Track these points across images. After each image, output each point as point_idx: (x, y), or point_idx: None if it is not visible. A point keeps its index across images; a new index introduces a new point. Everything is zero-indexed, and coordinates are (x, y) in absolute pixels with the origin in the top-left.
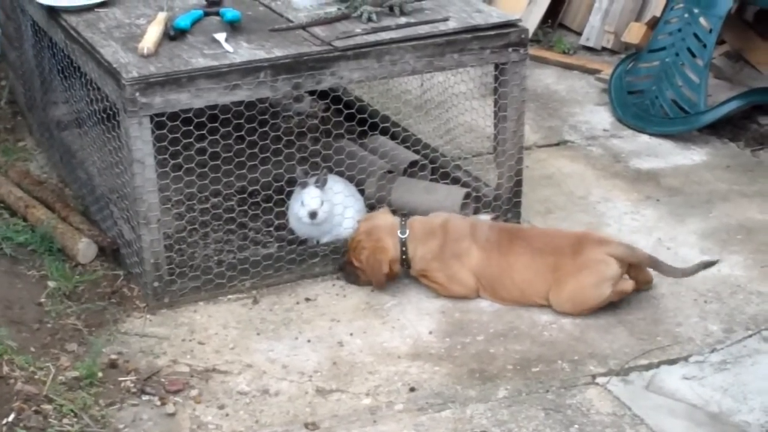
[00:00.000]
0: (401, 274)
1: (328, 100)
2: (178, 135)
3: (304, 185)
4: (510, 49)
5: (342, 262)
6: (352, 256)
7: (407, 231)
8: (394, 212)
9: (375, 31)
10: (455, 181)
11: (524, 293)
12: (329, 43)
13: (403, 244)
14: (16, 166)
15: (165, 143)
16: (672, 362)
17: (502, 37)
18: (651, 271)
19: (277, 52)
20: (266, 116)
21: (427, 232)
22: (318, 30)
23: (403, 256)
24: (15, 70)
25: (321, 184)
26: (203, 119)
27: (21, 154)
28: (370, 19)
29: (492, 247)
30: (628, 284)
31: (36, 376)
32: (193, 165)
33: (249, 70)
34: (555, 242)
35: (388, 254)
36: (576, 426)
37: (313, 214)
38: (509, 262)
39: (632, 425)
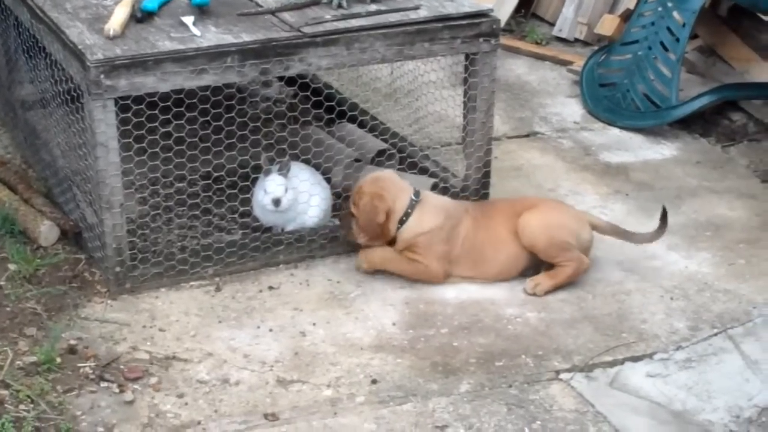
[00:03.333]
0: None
1: (296, 86)
2: (143, 119)
3: (268, 172)
4: (481, 40)
5: (344, 211)
6: (352, 201)
7: (421, 197)
8: None
9: (345, 17)
10: (423, 171)
11: (508, 255)
12: (298, 29)
13: (411, 207)
14: None
15: (129, 126)
16: (636, 359)
17: (473, 27)
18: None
19: (245, 37)
20: (233, 101)
21: (439, 209)
22: (287, 15)
23: (404, 218)
24: None
25: (285, 171)
26: (169, 103)
27: None
28: (340, 6)
29: (477, 223)
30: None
31: None
32: (157, 149)
33: (216, 54)
34: (531, 200)
35: (386, 202)
36: (538, 422)
37: (276, 202)
38: (489, 230)
39: (595, 422)
